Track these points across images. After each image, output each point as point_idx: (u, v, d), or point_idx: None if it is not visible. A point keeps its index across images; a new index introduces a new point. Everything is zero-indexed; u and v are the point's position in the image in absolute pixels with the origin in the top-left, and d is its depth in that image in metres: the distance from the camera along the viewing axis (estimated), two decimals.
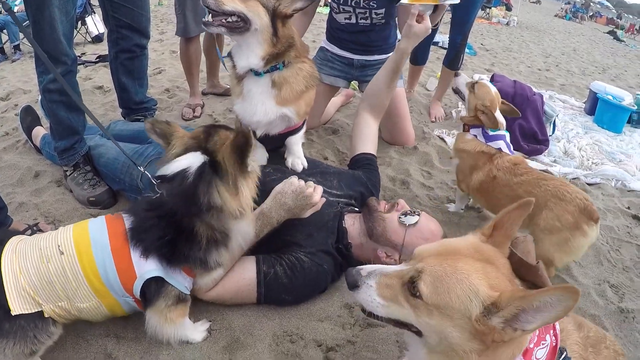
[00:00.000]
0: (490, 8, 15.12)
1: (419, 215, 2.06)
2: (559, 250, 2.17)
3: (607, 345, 1.32)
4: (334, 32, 3.46)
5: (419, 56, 4.41)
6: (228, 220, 1.49)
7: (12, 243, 1.47)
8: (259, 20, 1.87)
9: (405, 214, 2.06)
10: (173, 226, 1.45)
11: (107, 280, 1.46)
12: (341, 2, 3.19)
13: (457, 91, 2.78)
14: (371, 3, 3.13)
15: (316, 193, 1.91)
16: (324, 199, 1.97)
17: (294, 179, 1.92)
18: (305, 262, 1.91)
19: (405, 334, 1.17)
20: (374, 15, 3.20)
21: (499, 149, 2.45)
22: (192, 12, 3.48)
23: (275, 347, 1.77)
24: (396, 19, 3.35)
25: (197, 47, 3.75)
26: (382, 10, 3.17)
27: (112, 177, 2.49)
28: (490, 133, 2.48)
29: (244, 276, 1.86)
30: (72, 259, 1.44)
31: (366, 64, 3.48)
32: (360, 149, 2.68)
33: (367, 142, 2.71)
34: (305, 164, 2.39)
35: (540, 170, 2.44)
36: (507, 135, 2.52)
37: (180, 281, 1.54)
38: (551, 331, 1.15)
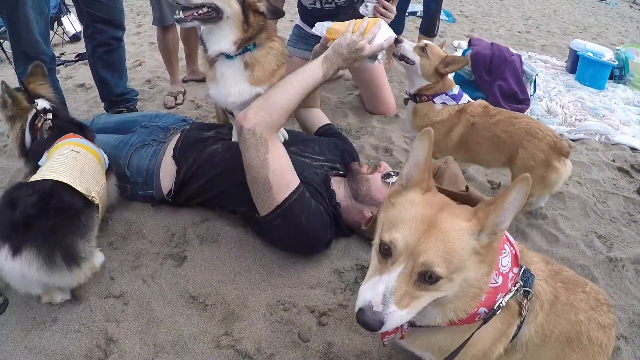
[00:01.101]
0: None
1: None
2: (534, 186, 2.20)
3: (587, 290, 1.35)
4: (304, 14, 3.54)
5: (394, 26, 4.39)
6: None
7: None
8: (230, 8, 1.89)
9: (388, 175, 2.15)
10: None
11: (104, 163, 2.10)
12: None
13: (402, 58, 2.46)
14: None
15: (366, 47, 2.08)
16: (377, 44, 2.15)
17: (348, 34, 2.09)
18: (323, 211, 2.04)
19: None
20: None
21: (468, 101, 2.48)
22: (167, 0, 3.46)
23: (269, 317, 1.83)
24: None
25: (175, 35, 3.75)
26: None
27: None
28: (455, 92, 2.47)
29: (289, 178, 1.96)
30: (85, 153, 2.00)
31: None
32: (319, 123, 2.82)
33: (321, 116, 2.89)
34: (286, 136, 2.46)
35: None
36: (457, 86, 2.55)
37: None
38: (507, 242, 1.23)
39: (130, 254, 2.15)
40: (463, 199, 1.36)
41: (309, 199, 1.99)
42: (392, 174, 2.15)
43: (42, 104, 2.13)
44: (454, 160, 1.78)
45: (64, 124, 2.15)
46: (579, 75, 5.02)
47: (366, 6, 2.56)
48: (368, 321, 1.03)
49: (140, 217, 2.37)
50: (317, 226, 1.99)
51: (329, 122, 2.87)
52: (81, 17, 2.99)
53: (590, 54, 4.94)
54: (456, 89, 2.49)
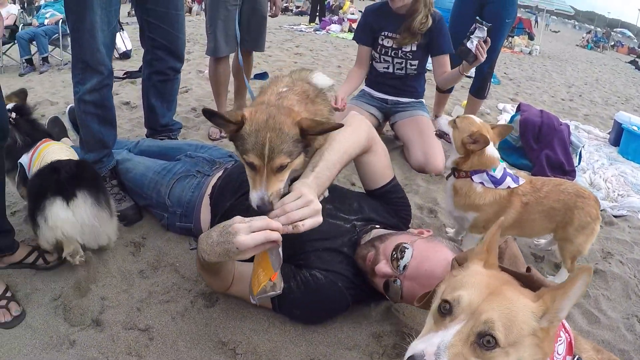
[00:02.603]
0: (512, 37, 15.14)
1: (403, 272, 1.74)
2: (586, 240, 2.37)
3: None
4: (373, 77, 3.95)
5: None
6: None
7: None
8: None
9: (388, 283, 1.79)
10: None
11: None
12: (382, 52, 3.71)
13: (440, 134, 2.42)
14: (408, 54, 3.64)
15: (242, 235, 1.47)
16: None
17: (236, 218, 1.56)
18: (320, 279, 1.84)
19: None
20: (408, 66, 3.71)
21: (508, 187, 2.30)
22: (222, 32, 3.51)
23: None
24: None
25: (226, 67, 3.78)
26: (416, 62, 3.68)
27: (138, 193, 2.49)
28: (496, 175, 2.27)
29: None
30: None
31: (398, 103, 3.91)
32: (382, 177, 2.23)
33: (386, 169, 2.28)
34: (326, 193, 2.12)
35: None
36: (503, 163, 2.36)
37: None
38: (562, 329, 1.17)
39: (160, 286, 2.09)
40: (525, 280, 1.28)
41: (295, 288, 1.82)
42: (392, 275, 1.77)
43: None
44: (513, 240, 1.65)
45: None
46: (622, 149, 4.92)
47: (472, 41, 3.03)
48: None
49: (175, 249, 2.33)
50: (318, 308, 1.90)
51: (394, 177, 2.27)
52: (143, 41, 3.01)
53: (636, 128, 4.85)
54: (499, 170, 2.28)
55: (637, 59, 19.69)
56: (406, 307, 2.11)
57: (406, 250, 1.71)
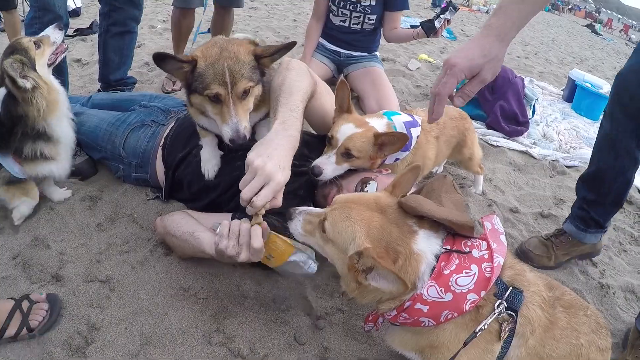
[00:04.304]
0: None
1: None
2: (478, 148, 2.71)
3: (588, 314, 1.35)
4: (328, 30, 3.88)
5: None
6: (34, 121, 1.91)
7: None
8: None
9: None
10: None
11: None
12: (340, 5, 3.61)
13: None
14: (366, 8, 3.57)
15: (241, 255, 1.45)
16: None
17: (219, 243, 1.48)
18: (277, 226, 1.79)
19: None
20: (366, 20, 3.65)
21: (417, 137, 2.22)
22: None
23: (264, 316, 1.76)
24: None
25: (192, 20, 3.65)
26: (374, 17, 3.63)
27: (93, 146, 2.40)
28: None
29: None
30: None
31: (350, 57, 3.89)
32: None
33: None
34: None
35: (520, 151, 2.51)
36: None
37: (9, 165, 1.96)
38: (485, 263, 1.18)
39: (118, 237, 2.06)
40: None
41: None
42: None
43: None
44: (443, 177, 1.49)
45: None
46: (575, 105, 5.07)
47: (439, 20, 3.23)
48: (288, 212, 1.42)
49: (132, 200, 2.29)
50: None
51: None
52: None
53: (589, 85, 4.99)
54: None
55: (593, 23, 20.12)
56: None
57: (370, 182, 1.73)
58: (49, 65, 2.07)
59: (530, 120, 4.13)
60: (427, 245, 1.20)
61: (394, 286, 1.12)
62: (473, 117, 3.20)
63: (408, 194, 1.33)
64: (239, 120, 1.59)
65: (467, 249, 1.20)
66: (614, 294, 2.25)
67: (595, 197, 2.23)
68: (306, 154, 2.05)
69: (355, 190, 1.78)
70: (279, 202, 1.46)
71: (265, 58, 1.65)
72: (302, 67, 1.89)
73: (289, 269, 1.55)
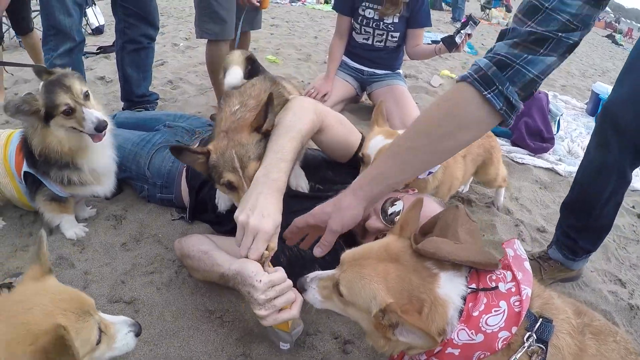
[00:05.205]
0: (490, 9, 15.12)
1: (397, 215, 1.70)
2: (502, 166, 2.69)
3: (617, 340, 1.29)
4: (351, 48, 3.92)
5: None
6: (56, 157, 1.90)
7: None
8: None
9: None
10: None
11: (11, 165, 2.03)
12: (363, 23, 3.66)
13: None
14: (389, 26, 3.61)
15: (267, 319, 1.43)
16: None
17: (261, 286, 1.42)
18: (307, 252, 1.75)
19: None
20: (389, 38, 3.70)
21: None
22: (227, 11, 3.08)
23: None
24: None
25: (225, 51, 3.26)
26: (397, 35, 3.67)
27: (117, 165, 2.42)
28: None
29: None
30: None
31: (374, 75, 3.92)
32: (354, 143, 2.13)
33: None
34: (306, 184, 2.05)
35: (546, 168, 2.45)
36: None
37: (50, 184, 1.98)
38: (513, 297, 1.15)
39: (143, 257, 2.06)
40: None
41: (285, 263, 1.76)
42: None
43: None
44: (455, 208, 1.39)
45: None
46: None
47: (460, 36, 3.26)
48: (298, 282, 1.36)
49: (157, 220, 2.30)
50: None
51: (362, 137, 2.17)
52: (115, 11, 2.94)
53: None
54: None
55: (613, 34, 19.88)
56: None
57: (397, 202, 1.70)
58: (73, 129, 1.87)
59: (555, 136, 4.07)
60: (451, 287, 1.14)
61: (422, 341, 1.07)
62: (497, 134, 3.16)
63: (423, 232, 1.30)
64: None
65: (493, 284, 1.16)
66: None
67: (584, 223, 2.13)
68: (330, 177, 2.04)
69: (382, 210, 1.73)
70: (273, 245, 1.47)
71: (264, 125, 1.64)
72: (303, 104, 1.82)
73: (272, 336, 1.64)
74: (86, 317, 1.11)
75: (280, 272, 1.47)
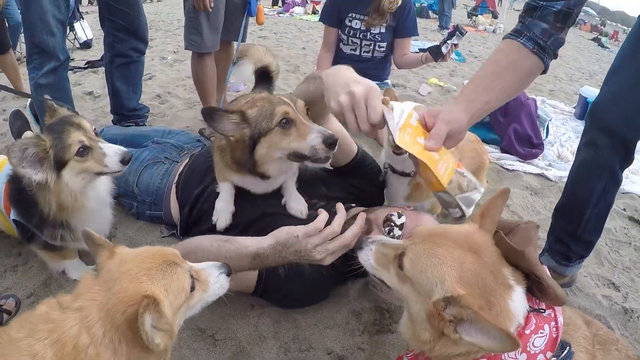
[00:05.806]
0: (476, 16, 15.25)
1: (401, 229, 1.72)
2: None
3: (619, 348, 1.30)
4: (339, 59, 3.88)
5: None
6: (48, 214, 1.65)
7: None
8: None
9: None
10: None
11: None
12: (351, 34, 3.70)
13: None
14: (376, 36, 3.65)
15: (326, 259, 1.49)
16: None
17: (301, 237, 1.47)
18: (306, 267, 1.79)
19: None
20: (377, 48, 3.73)
21: None
22: (209, 23, 3.08)
23: (284, 357, 1.72)
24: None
25: (213, 61, 3.31)
26: (384, 44, 3.71)
27: None
28: None
29: None
30: None
31: None
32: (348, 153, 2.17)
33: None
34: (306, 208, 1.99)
35: (536, 174, 2.47)
36: None
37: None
38: (552, 322, 1.13)
39: None
40: (515, 256, 1.21)
41: (283, 275, 1.78)
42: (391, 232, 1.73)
43: None
44: (535, 227, 1.46)
45: None
46: None
47: (446, 46, 3.30)
48: (359, 240, 1.35)
49: (147, 237, 2.28)
50: (302, 295, 1.88)
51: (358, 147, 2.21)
52: (103, 25, 2.93)
53: None
54: None
55: (599, 37, 20.10)
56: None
57: (401, 216, 1.70)
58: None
59: (544, 142, 4.09)
60: (520, 305, 1.07)
61: (497, 344, 0.94)
62: (487, 141, 3.19)
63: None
64: (317, 126, 1.57)
65: (542, 307, 1.11)
66: (638, 317, 2.18)
67: (575, 227, 2.12)
68: (324, 192, 2.04)
69: (384, 222, 1.73)
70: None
71: None
72: None
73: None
74: (172, 269, 1.10)
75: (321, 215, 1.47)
